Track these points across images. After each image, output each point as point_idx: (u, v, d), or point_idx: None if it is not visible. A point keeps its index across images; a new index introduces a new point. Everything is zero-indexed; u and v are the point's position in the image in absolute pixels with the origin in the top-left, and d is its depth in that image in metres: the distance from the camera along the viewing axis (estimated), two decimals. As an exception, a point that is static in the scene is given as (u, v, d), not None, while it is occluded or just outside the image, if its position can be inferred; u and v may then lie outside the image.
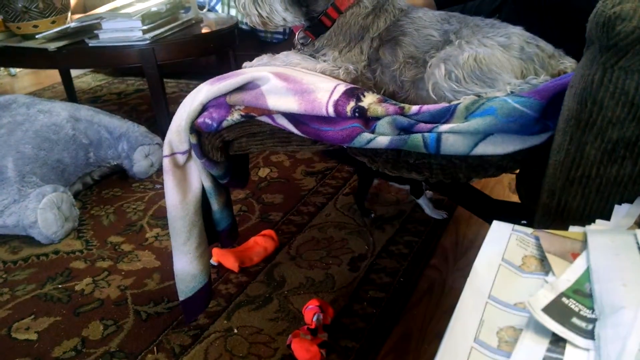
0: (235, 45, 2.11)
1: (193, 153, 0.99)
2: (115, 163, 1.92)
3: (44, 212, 1.53)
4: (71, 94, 2.67)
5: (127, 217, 1.69)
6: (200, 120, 0.92)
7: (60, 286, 1.39)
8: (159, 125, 2.02)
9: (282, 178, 1.87)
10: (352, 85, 0.87)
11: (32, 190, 1.58)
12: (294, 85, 0.85)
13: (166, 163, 0.99)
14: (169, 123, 1.96)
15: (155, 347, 1.16)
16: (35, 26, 1.97)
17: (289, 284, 1.33)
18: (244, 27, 2.38)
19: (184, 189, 1.01)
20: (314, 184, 1.81)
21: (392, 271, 1.35)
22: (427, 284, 1.32)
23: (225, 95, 0.90)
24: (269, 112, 0.87)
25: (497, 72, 0.81)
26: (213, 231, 1.12)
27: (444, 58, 0.85)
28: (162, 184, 1.87)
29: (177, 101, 2.67)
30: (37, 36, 1.94)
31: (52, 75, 3.50)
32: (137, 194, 1.84)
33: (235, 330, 1.20)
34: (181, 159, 1.00)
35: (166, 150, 0.99)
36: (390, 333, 1.17)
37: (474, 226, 1.52)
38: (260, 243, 1.45)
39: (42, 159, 1.71)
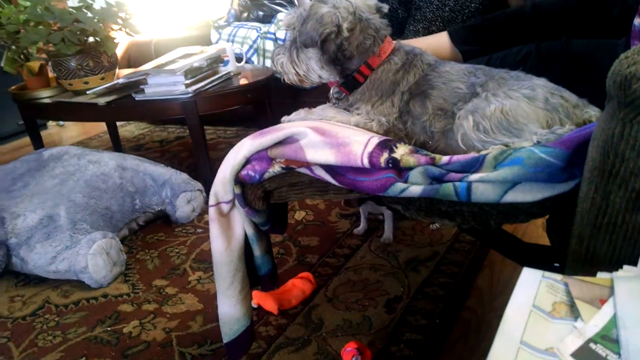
0: (270, 94, 2.21)
1: (237, 202, 1.06)
2: (159, 209, 2.01)
3: (94, 258, 1.62)
4: (116, 143, 2.82)
5: (171, 261, 1.77)
6: (243, 172, 0.98)
7: (109, 329, 1.46)
8: (200, 171, 2.11)
9: (318, 221, 1.92)
10: (385, 137, 0.93)
11: (83, 237, 1.67)
12: (330, 139, 0.91)
13: (212, 212, 1.06)
14: (210, 169, 2.06)
15: (199, 389, 1.21)
16: (86, 82, 2.12)
17: (327, 326, 1.36)
18: (278, 76, 2.49)
19: (228, 236, 1.07)
20: (348, 226, 1.85)
21: (428, 313, 1.37)
22: (463, 325, 1.33)
23: (266, 149, 0.97)
24: (308, 164, 0.93)
25: (523, 123, 0.86)
26: (254, 275, 1.17)
27: (472, 110, 0.90)
28: (203, 228, 1.96)
29: (216, 147, 2.80)
30: (87, 92, 2.08)
31: (98, 125, 3.70)
32: (180, 238, 1.91)
33: (276, 373, 1.23)
34: (226, 208, 1.06)
35: (212, 200, 1.06)
36: (428, 376, 1.18)
37: (509, 266, 1.53)
38: (298, 285, 1.50)
39: (92, 206, 1.81)
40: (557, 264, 0.95)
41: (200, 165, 2.09)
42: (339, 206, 2.01)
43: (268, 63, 2.63)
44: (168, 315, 1.48)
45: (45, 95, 2.25)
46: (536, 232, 1.67)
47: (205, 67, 2.05)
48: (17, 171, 1.97)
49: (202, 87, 1.99)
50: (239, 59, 2.38)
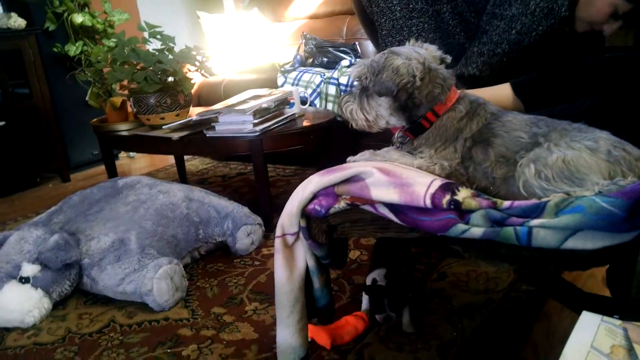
0: (331, 136, 2.30)
1: (301, 235, 1.12)
2: (220, 240, 2.10)
3: (159, 282, 1.71)
4: (182, 176, 2.98)
5: (229, 290, 1.84)
6: (310, 206, 1.05)
7: (169, 351, 1.53)
8: (260, 206, 2.20)
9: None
10: (447, 180, 0.97)
11: (150, 262, 1.77)
12: (395, 179, 0.97)
13: (277, 243, 1.13)
14: (270, 205, 2.14)
15: (252, 415, 1.25)
16: (162, 118, 2.29)
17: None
18: (339, 119, 2.59)
19: (291, 266, 1.13)
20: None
21: (482, 360, 1.36)
22: (518, 376, 1.31)
23: (333, 186, 1.03)
24: (372, 202, 0.98)
25: (585, 173, 0.89)
26: (312, 307, 1.22)
27: (534, 159, 0.93)
28: (260, 260, 2.03)
29: (275, 184, 2.91)
30: (163, 127, 2.24)
31: (165, 159, 3.91)
32: (238, 269, 1.99)
33: (327, 406, 1.25)
34: (290, 239, 1.13)
35: (278, 232, 1.12)
36: (480, 423, 1.17)
37: (566, 319, 1.50)
38: (352, 322, 1.52)
39: (160, 234, 1.92)
40: (617, 316, 0.95)
41: (262, 200, 2.18)
42: (394, 248, 2.03)
43: (330, 106, 2.74)
44: (225, 342, 1.54)
45: (124, 128, 2.44)
46: (596, 285, 1.63)
47: (272, 108, 2.17)
48: (94, 197, 2.12)
49: (269, 126, 2.11)
50: (303, 101, 2.50)
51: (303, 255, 1.15)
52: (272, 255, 2.07)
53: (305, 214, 1.07)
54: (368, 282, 1.53)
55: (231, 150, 2.19)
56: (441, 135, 1.09)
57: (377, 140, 2.77)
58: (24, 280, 1.72)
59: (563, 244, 0.80)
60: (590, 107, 1.13)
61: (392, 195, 0.95)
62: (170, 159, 3.80)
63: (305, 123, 2.24)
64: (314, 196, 1.06)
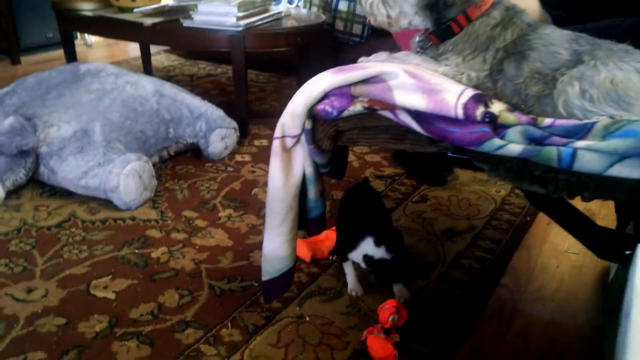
0: (318, 41, 2.14)
1: (302, 139, 1.01)
2: (191, 141, 1.97)
3: (126, 179, 1.58)
4: (148, 71, 2.75)
5: (201, 195, 1.73)
6: (320, 106, 0.94)
7: (136, 251, 1.43)
8: (236, 110, 2.06)
9: (351, 178, 1.88)
10: (479, 91, 0.87)
11: (117, 157, 1.63)
12: (422, 83, 0.86)
13: (275, 145, 1.02)
14: (247, 109, 2.01)
15: (229, 323, 1.19)
16: (134, 0, 2.04)
17: (361, 281, 1.33)
18: (326, 27, 2.42)
19: (287, 172, 1.03)
20: (382, 188, 1.81)
21: (463, 284, 1.34)
22: (498, 302, 1.30)
23: (349, 85, 0.92)
24: (393, 107, 0.88)
25: (633, 97, 0.81)
26: (303, 218, 1.14)
27: (578, 77, 0.85)
28: (233, 167, 1.92)
29: (248, 90, 2.73)
30: (134, 10, 2.01)
31: (126, 50, 3.62)
32: (210, 174, 1.88)
33: (307, 318, 1.21)
34: (289, 142, 1.02)
35: (278, 132, 1.01)
36: (461, 345, 1.16)
37: (547, 251, 1.50)
38: (332, 238, 1.47)
39: (127, 127, 1.77)
40: (627, 252, 0.92)
41: (238, 103, 2.04)
42: (374, 166, 1.96)
43: (315, 10, 2.54)
44: (197, 247, 1.46)
45: (88, 7, 2.18)
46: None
47: (259, 2, 1.98)
48: (52, 80, 1.91)
49: (253, 22, 1.92)
50: (289, 1, 2.30)
51: (301, 161, 1.05)
52: (246, 163, 1.96)
53: (312, 115, 0.96)
54: (356, 258, 1.26)
55: (208, 44, 2.00)
56: (471, 43, 0.98)
57: (362, 55, 2.62)
58: (-27, 163, 1.55)
59: (607, 170, 0.73)
60: (632, 28, 1.04)
61: (418, 101, 0.85)
62: (133, 51, 3.52)
63: (291, 24, 2.06)
64: (325, 95, 0.94)
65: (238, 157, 2.01)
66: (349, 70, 0.93)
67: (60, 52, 3.38)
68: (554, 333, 1.21)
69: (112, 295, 1.26)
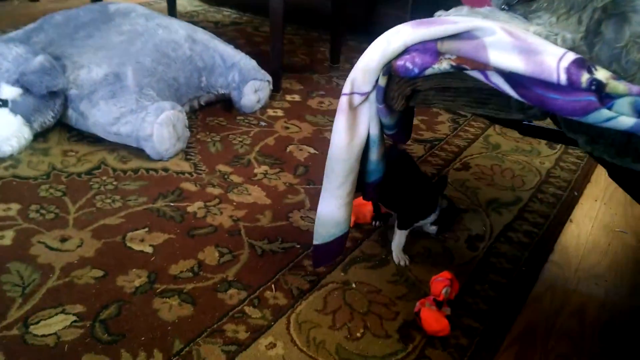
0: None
1: (372, 96, 0.94)
2: (223, 92, 1.88)
3: (160, 128, 1.51)
4: (173, 14, 2.63)
5: (234, 149, 1.66)
6: (400, 62, 0.85)
7: (172, 204, 1.37)
8: (271, 63, 1.96)
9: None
10: (580, 55, 0.79)
11: (150, 104, 1.55)
12: (521, 42, 0.78)
13: (343, 101, 0.94)
14: (281, 61, 1.92)
15: (273, 285, 1.14)
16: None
17: (405, 250, 1.28)
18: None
19: (352, 131, 0.96)
20: (423, 152, 1.74)
21: (512, 258, 1.29)
22: (549, 279, 1.25)
23: (435, 40, 0.83)
24: (485, 67, 0.80)
25: None
26: (360, 181, 1.07)
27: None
28: (266, 121, 1.84)
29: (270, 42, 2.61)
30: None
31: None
32: (242, 128, 1.80)
33: (354, 285, 1.16)
34: (357, 100, 0.94)
35: (347, 88, 0.93)
36: (514, 322, 1.12)
37: (596, 231, 1.44)
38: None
39: (160, 73, 1.68)
40: None
41: (274, 55, 1.94)
42: (414, 131, 1.88)
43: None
44: (235, 204, 1.40)
45: (116, -58, 2.04)
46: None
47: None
48: (80, 19, 1.80)
49: (295, -32, 1.80)
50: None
51: (366, 120, 0.97)
52: (278, 118, 1.89)
53: (388, 70, 0.88)
54: (427, 223, 1.27)
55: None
56: (568, 0, 0.88)
57: (397, 9, 2.49)
58: (2, 103, 1.47)
59: None
60: None
61: (516, 62, 0.76)
62: (153, -6, 3.37)
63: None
64: (405, 50, 0.86)
65: (270, 112, 1.92)
66: (433, 23, 0.85)
67: (79, -9, 3.26)
68: (610, 314, 1.17)
69: (149, 249, 1.21)
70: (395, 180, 1.19)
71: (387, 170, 1.10)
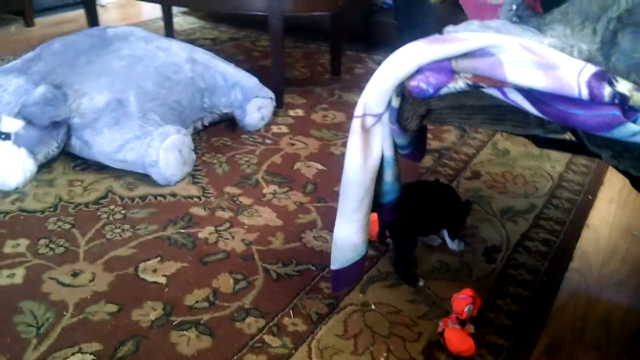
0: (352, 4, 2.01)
1: (384, 118, 0.92)
2: (226, 111, 1.86)
3: (166, 153, 1.49)
4: (170, 34, 2.62)
5: (241, 169, 1.64)
6: (413, 83, 0.83)
7: (182, 231, 1.35)
8: (272, 79, 1.95)
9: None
10: (601, 68, 0.77)
11: (154, 129, 1.53)
12: (538, 58, 0.76)
13: (356, 124, 0.92)
14: (282, 77, 1.90)
15: (291, 311, 1.12)
16: (162, -42, 1.90)
17: (422, 266, 1.26)
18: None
19: (366, 153, 0.94)
20: (431, 163, 1.72)
21: (532, 269, 1.27)
22: (571, 288, 1.23)
23: (449, 59, 0.81)
24: (502, 85, 0.78)
25: None
26: (375, 202, 1.05)
27: None
28: (271, 139, 1.82)
29: (269, 57, 2.59)
30: (164, -31, 1.87)
31: (140, 12, 3.47)
32: (248, 147, 1.78)
33: (373, 306, 1.14)
34: (370, 121, 0.92)
35: (359, 110, 0.91)
36: (539, 336, 1.09)
37: (614, 234, 1.42)
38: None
39: (162, 97, 1.66)
40: None
41: (275, 71, 1.93)
42: (420, 139, 1.87)
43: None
44: (246, 227, 1.38)
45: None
46: None
47: (298, -39, 1.84)
48: (79, 45, 1.79)
49: (293, -17, 1.79)
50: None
51: (379, 141, 0.95)
52: (283, 134, 1.87)
53: (402, 91, 0.86)
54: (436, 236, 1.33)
55: (244, 6, 1.87)
56: (581, 12, 0.87)
57: (392, 17, 2.45)
58: (4, 136, 1.45)
59: None
60: None
61: (535, 78, 0.75)
62: (148, 13, 3.37)
63: (330, -14, 1.93)
64: (418, 70, 0.84)
65: (275, 129, 1.91)
66: (447, 41, 0.83)
67: (74, 14, 3.26)
68: (636, 321, 1.14)
69: (163, 280, 1.19)
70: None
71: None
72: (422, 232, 1.28)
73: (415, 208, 1.20)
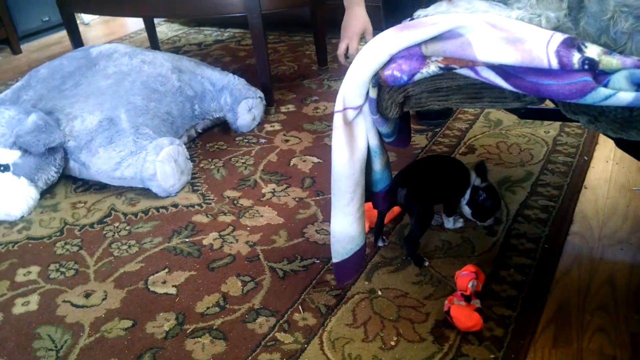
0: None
1: (364, 109, 0.93)
2: (217, 116, 1.88)
3: (163, 165, 1.51)
4: (155, 44, 2.63)
5: (239, 172, 1.66)
6: (387, 72, 0.85)
7: (187, 240, 1.37)
8: (259, 78, 1.96)
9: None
10: (568, 35, 0.78)
11: (148, 142, 1.55)
12: (506, 33, 0.77)
13: (337, 119, 0.93)
14: (269, 74, 1.90)
15: (299, 306, 1.14)
16: (136, -28, 1.91)
17: (425, 247, 1.28)
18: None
19: (351, 146, 0.95)
20: (426, 142, 1.73)
21: (533, 237, 1.28)
22: (574, 252, 1.24)
23: (419, 44, 0.82)
24: (473, 64, 0.79)
25: None
26: (367, 192, 1.06)
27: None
28: (265, 138, 1.84)
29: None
30: (138, -18, 1.88)
31: (124, 25, 3.48)
32: (243, 148, 1.80)
33: (379, 292, 1.16)
34: (351, 114, 0.94)
35: (338, 105, 0.93)
36: (545, 303, 1.11)
37: (613, 193, 1.42)
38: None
39: (152, 110, 1.68)
40: None
41: (261, 70, 1.93)
42: (414, 121, 1.87)
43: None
44: (248, 228, 1.40)
45: (87, -15, 2.05)
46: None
47: (270, -42, 1.84)
48: (65, 69, 1.81)
49: (268, -19, 1.80)
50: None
51: (364, 132, 0.97)
52: (277, 132, 1.88)
53: (377, 82, 0.87)
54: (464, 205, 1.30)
55: (222, 10, 1.87)
56: (546, -21, 0.87)
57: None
58: (3, 168, 1.48)
59: None
60: None
61: (504, 54, 0.75)
62: (131, 26, 3.38)
63: (305, -22, 1.93)
64: (391, 59, 0.85)
65: (268, 127, 1.92)
66: (415, 26, 0.84)
67: (59, 36, 3.28)
68: (640, 278, 1.15)
69: (173, 290, 1.22)
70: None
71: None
72: (438, 201, 1.30)
73: (429, 179, 1.24)
